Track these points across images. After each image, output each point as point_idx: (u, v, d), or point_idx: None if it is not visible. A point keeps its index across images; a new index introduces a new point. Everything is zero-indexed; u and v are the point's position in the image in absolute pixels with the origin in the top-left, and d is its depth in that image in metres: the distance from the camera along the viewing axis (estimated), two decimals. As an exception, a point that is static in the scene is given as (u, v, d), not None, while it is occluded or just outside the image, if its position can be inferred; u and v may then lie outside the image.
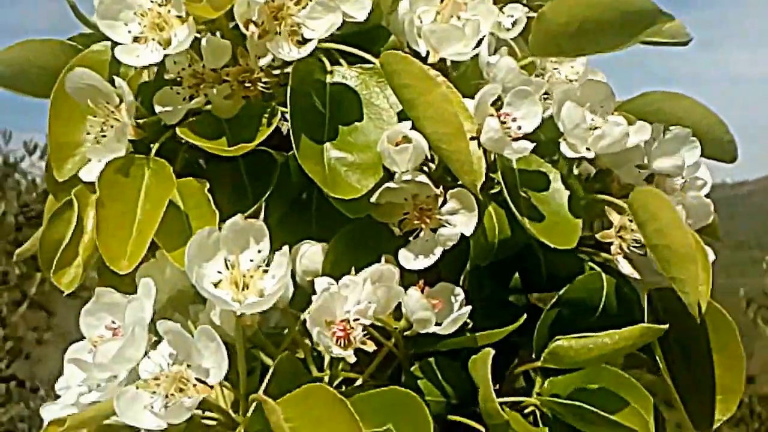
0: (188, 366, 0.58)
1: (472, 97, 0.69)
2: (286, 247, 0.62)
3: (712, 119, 0.83)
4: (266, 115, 0.71)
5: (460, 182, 0.68)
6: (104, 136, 0.70)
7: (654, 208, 0.68)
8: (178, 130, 0.71)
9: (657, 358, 0.72)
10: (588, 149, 0.71)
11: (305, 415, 0.57)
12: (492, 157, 0.70)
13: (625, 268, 0.71)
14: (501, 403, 0.65)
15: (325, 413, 0.57)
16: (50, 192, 0.79)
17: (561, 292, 0.72)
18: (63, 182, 0.74)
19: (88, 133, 0.71)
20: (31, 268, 4.21)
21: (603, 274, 0.73)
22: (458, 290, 0.69)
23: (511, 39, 0.78)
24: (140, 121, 0.72)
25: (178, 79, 0.70)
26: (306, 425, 0.56)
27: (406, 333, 0.68)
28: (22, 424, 3.60)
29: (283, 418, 0.56)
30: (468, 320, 0.70)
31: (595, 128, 0.71)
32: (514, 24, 0.78)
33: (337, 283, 0.64)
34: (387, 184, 0.67)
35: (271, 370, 0.63)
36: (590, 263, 0.75)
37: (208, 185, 0.70)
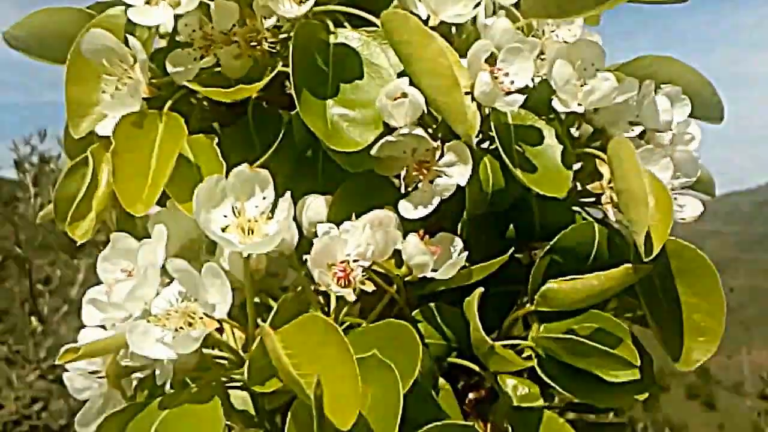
0: (195, 301, 0.62)
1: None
2: (288, 194, 0.65)
3: (701, 82, 0.86)
4: (269, 67, 0.75)
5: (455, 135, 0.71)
6: (119, 91, 0.74)
7: (622, 155, 0.72)
8: (187, 82, 0.74)
9: (641, 302, 0.74)
10: (579, 104, 0.74)
11: (301, 341, 0.60)
12: (487, 112, 0.74)
13: (614, 216, 0.74)
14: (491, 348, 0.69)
15: (319, 339, 0.61)
16: (66, 154, 0.83)
17: (554, 241, 0.74)
18: (78, 142, 0.78)
19: (104, 92, 0.75)
20: (73, 270, 4.28)
21: (596, 224, 0.76)
22: (457, 240, 0.73)
23: (510, 5, 0.81)
24: (154, 81, 0.76)
25: (190, 41, 0.75)
26: (301, 351, 0.59)
27: (406, 279, 0.71)
28: (62, 420, 3.65)
29: (279, 344, 0.59)
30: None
31: (585, 84, 0.74)
32: (511, -13, 0.81)
33: (338, 227, 0.68)
34: (386, 138, 0.71)
35: (275, 308, 0.67)
36: (583, 215, 0.78)
37: (217, 140, 0.74)
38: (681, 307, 0.75)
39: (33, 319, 3.86)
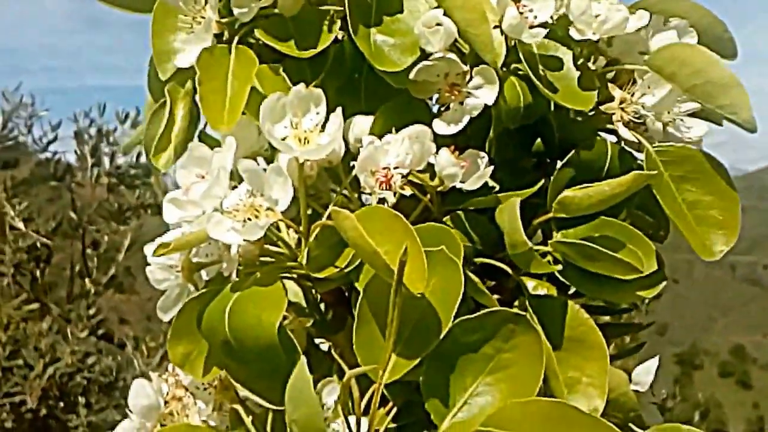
0: (261, 196, 0.73)
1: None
2: (339, 109, 0.76)
3: (711, 18, 0.93)
4: (326, 21, 0.86)
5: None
6: (193, 30, 0.85)
7: (685, 57, 0.81)
8: (257, 32, 0.85)
9: (663, 205, 0.83)
10: (594, 33, 0.84)
11: (369, 225, 0.70)
12: (513, 43, 0.84)
13: (625, 133, 0.84)
14: (531, 248, 0.79)
15: (385, 224, 0.72)
16: (150, 94, 0.95)
17: (571, 154, 0.84)
18: (162, 84, 0.89)
19: (179, 36, 0.87)
20: (120, 235, 4.42)
21: (608, 141, 0.86)
22: (483, 154, 0.82)
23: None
24: (223, 20, 0.86)
25: (251, -17, 0.85)
26: (373, 231, 0.70)
27: (439, 189, 0.81)
28: (111, 375, 3.78)
29: (356, 222, 0.70)
30: (493, 184, 0.85)
31: (599, 15, 0.84)
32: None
33: (380, 139, 0.78)
34: (423, 62, 0.81)
35: (328, 210, 0.77)
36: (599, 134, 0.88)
37: (281, 68, 0.85)
38: (698, 205, 0.84)
39: (87, 281, 4.01)
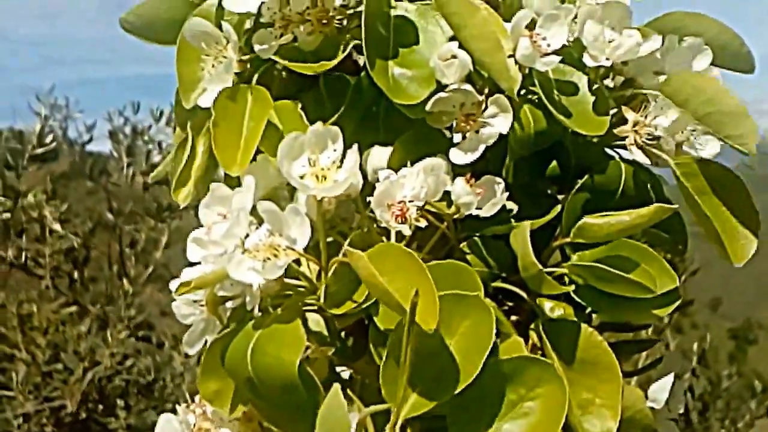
0: (280, 235, 0.75)
1: (512, 24, 0.84)
2: (355, 146, 0.78)
3: (728, 34, 0.94)
4: (342, 43, 0.87)
5: (500, 91, 0.83)
6: (215, 68, 0.87)
7: (699, 85, 0.82)
8: (273, 56, 0.86)
9: (702, 205, 0.84)
10: (607, 59, 0.85)
11: (382, 264, 0.72)
12: (527, 71, 0.85)
13: (639, 156, 0.85)
14: (541, 270, 0.81)
15: (397, 262, 0.73)
16: (177, 124, 0.97)
17: (584, 179, 0.85)
18: (188, 114, 0.92)
19: (203, 69, 0.88)
20: (158, 233, 4.47)
21: (622, 163, 0.87)
22: (500, 180, 0.83)
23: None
24: (244, 58, 0.88)
25: (271, 21, 0.86)
26: (384, 271, 0.72)
27: (455, 216, 0.83)
28: (149, 375, 3.83)
29: (369, 262, 0.72)
30: (512, 206, 0.86)
31: (612, 40, 0.85)
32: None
33: (396, 173, 0.80)
34: (439, 94, 0.82)
35: (346, 243, 0.79)
36: (613, 156, 0.89)
37: (300, 105, 0.87)
38: (719, 215, 0.85)
39: (125, 281, 4.06)
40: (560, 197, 0.92)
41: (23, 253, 3.96)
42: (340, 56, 0.85)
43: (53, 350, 3.50)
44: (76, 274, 4.12)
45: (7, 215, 4.01)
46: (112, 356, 3.54)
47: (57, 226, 4.09)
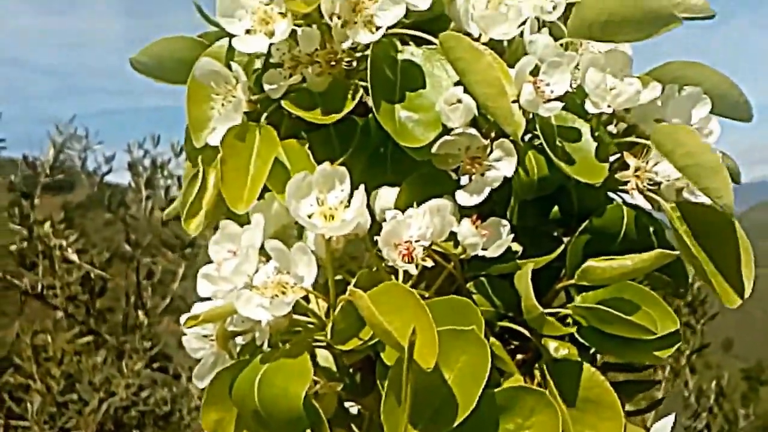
0: (288, 273, 0.77)
1: (517, 69, 0.87)
2: (362, 186, 0.80)
3: (727, 84, 0.96)
4: (350, 91, 0.89)
5: (505, 135, 0.85)
6: (224, 108, 0.90)
7: (681, 138, 0.84)
8: (283, 102, 0.89)
9: (693, 249, 0.86)
10: (608, 106, 0.87)
11: (384, 303, 0.75)
12: (531, 115, 0.87)
13: (640, 200, 0.87)
14: (542, 313, 0.83)
15: (398, 301, 0.76)
16: (188, 159, 0.99)
17: (586, 223, 0.88)
18: (198, 151, 0.94)
19: (212, 108, 0.91)
20: (175, 265, 4.50)
21: (624, 206, 0.89)
22: (505, 222, 0.85)
23: (557, 19, 0.95)
24: (253, 98, 0.90)
25: (281, 62, 0.89)
26: (385, 310, 0.74)
27: (462, 257, 0.85)
28: (166, 406, 3.85)
29: (370, 302, 0.74)
30: (517, 248, 0.88)
31: (613, 88, 0.87)
32: (554, 8, 0.95)
33: (403, 213, 0.82)
34: (445, 137, 0.85)
35: (353, 281, 0.81)
36: (617, 199, 0.91)
37: (308, 145, 0.89)
38: (715, 259, 0.87)
39: (140, 312, 4.09)
40: (566, 239, 0.94)
41: (39, 283, 4.00)
42: (349, 106, 0.88)
43: (68, 380, 3.52)
44: (91, 305, 4.15)
45: (23, 244, 4.05)
46: (127, 387, 3.56)
47: (74, 256, 4.12)
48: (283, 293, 0.77)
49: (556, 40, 0.92)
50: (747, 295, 0.87)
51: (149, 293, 4.55)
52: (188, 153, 0.98)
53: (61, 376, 3.51)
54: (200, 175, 0.92)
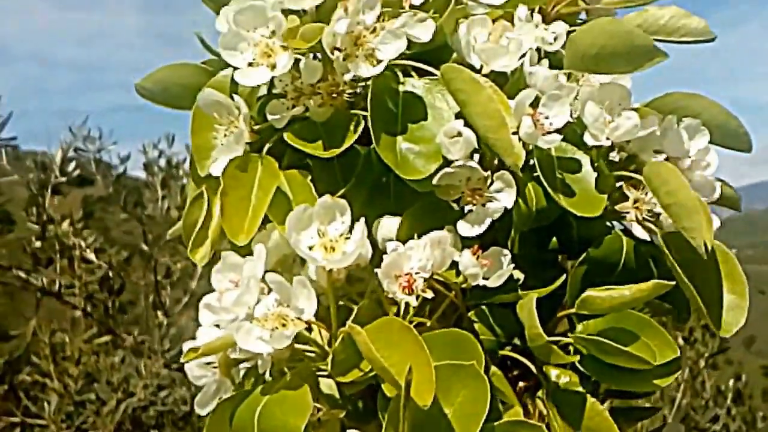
0: (288, 306, 0.79)
1: (517, 101, 0.88)
2: (362, 219, 0.81)
3: (726, 116, 0.98)
4: (353, 123, 0.90)
5: (505, 166, 0.86)
6: (227, 138, 0.91)
7: (665, 176, 0.85)
8: (285, 135, 0.90)
9: (685, 287, 0.87)
10: (607, 138, 0.88)
11: (382, 339, 0.76)
12: (531, 147, 0.88)
13: (638, 232, 0.88)
14: (547, 342, 0.85)
15: (397, 337, 0.77)
16: (192, 180, 1.00)
17: (588, 251, 0.89)
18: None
19: (215, 138, 0.92)
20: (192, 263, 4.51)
21: (623, 237, 0.90)
22: (506, 252, 0.87)
23: (555, 50, 0.96)
24: (256, 127, 0.92)
25: (284, 92, 0.90)
26: (383, 346, 0.75)
27: (463, 286, 0.86)
28: (185, 406, 3.86)
29: (367, 338, 0.75)
30: (518, 275, 0.89)
31: (612, 121, 0.88)
32: (555, 39, 0.96)
33: (404, 245, 0.83)
34: (445, 169, 0.86)
35: (354, 314, 0.82)
36: (615, 229, 0.92)
37: (310, 177, 0.90)
38: (710, 288, 0.88)
39: (158, 312, 4.11)
40: (569, 261, 0.95)
41: (56, 281, 4.02)
42: (350, 141, 0.89)
43: (86, 380, 3.54)
44: (110, 303, 4.18)
45: (39, 243, 4.08)
46: (145, 387, 3.58)
47: (91, 255, 4.14)
48: (284, 326, 0.78)
49: (558, 68, 0.93)
50: (732, 329, 0.89)
51: (168, 291, 4.57)
52: (192, 175, 0.99)
53: (79, 375, 3.53)
54: (205, 204, 0.93)
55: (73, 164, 4.09)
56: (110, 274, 4.19)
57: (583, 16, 1.10)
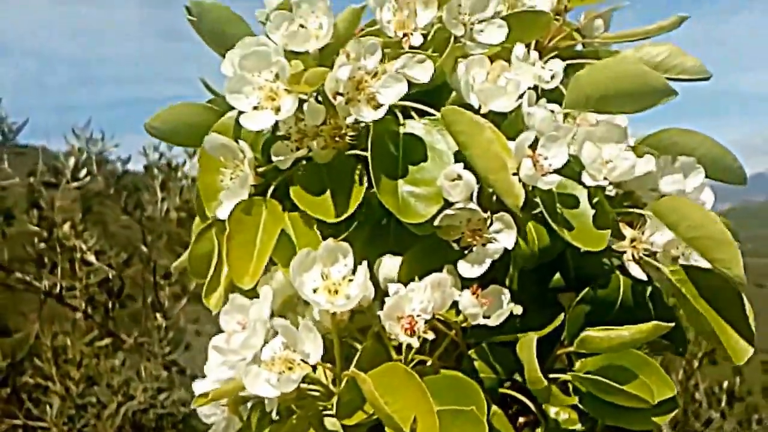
0: (294, 350, 0.81)
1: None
2: (365, 262, 0.83)
3: (720, 150, 1.01)
4: (357, 172, 0.92)
5: (504, 207, 0.88)
6: (232, 182, 0.93)
7: (683, 211, 0.88)
8: (291, 190, 0.92)
9: (702, 311, 0.90)
10: (605, 179, 0.90)
11: (386, 384, 0.78)
12: (531, 187, 0.90)
13: (635, 271, 0.90)
14: (547, 386, 0.87)
15: (400, 384, 0.79)
16: (197, 215, 1.02)
17: (585, 292, 0.91)
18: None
19: (221, 181, 0.94)
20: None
21: (620, 276, 0.92)
22: (506, 291, 0.88)
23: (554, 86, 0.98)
24: (260, 169, 0.94)
25: (288, 134, 0.92)
26: (387, 392, 0.77)
27: (463, 325, 0.88)
28: (184, 408, 3.88)
29: (372, 386, 0.77)
30: (518, 311, 0.91)
31: (609, 161, 0.90)
32: (552, 77, 0.98)
33: (405, 287, 0.85)
34: (446, 211, 0.88)
35: (358, 354, 0.84)
36: (614, 267, 0.94)
37: (312, 219, 0.92)
38: (716, 319, 0.91)
39: (158, 315, 4.13)
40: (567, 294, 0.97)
41: (57, 284, 4.05)
42: (355, 205, 0.90)
43: (87, 383, 3.56)
44: (110, 305, 4.20)
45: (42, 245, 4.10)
46: (145, 391, 3.60)
47: (91, 257, 4.17)
48: (290, 369, 0.81)
49: (554, 102, 0.96)
50: (747, 356, 0.91)
51: (167, 292, 4.59)
52: (198, 211, 1.01)
53: (81, 378, 3.56)
54: (216, 248, 0.95)
55: (84, 171, 4.11)
56: (110, 275, 4.21)
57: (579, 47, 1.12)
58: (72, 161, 4.07)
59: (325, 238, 0.87)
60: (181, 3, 1.01)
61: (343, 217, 0.90)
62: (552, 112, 0.94)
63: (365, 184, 0.91)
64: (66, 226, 4.16)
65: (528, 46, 1.02)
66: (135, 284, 4.56)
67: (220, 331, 0.90)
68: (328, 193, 0.91)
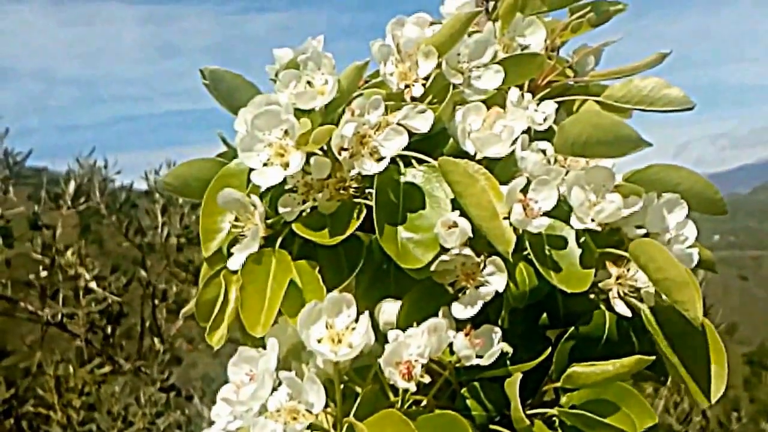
0: (299, 402, 0.85)
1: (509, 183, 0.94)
2: (367, 312, 0.87)
3: (703, 183, 1.05)
4: (356, 210, 0.96)
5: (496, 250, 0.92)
6: (244, 236, 0.97)
7: (651, 253, 0.91)
8: (294, 226, 0.96)
9: (669, 356, 0.94)
10: (592, 220, 0.94)
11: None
12: (521, 231, 0.94)
13: (621, 308, 0.94)
14: (532, 414, 0.91)
15: (396, 429, 0.83)
16: (207, 263, 1.06)
17: (571, 329, 0.95)
18: (212, 255, 1.02)
19: (234, 229, 0.99)
20: (190, 284, 4.57)
21: (606, 312, 0.96)
22: (497, 330, 0.93)
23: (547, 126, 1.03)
24: (269, 221, 0.98)
25: (294, 188, 0.97)
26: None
27: (457, 365, 0.92)
28: (179, 431, 3.91)
29: None
30: (507, 349, 0.95)
31: (596, 204, 0.94)
32: (545, 119, 1.02)
33: (404, 333, 0.89)
34: (442, 257, 0.92)
35: (358, 400, 0.89)
36: (600, 301, 0.98)
37: (318, 267, 0.96)
38: (690, 359, 0.95)
39: (156, 340, 4.17)
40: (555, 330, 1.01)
41: (59, 314, 4.08)
42: (353, 227, 0.95)
43: (88, 412, 3.59)
44: (109, 330, 4.23)
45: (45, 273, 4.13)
46: (144, 416, 3.63)
47: (92, 284, 4.19)
48: (295, 419, 0.85)
49: (547, 140, 1.01)
50: (716, 397, 0.95)
51: (164, 314, 4.63)
52: (205, 258, 1.05)
53: (82, 406, 3.58)
54: (222, 290, 0.99)
55: (83, 198, 4.16)
56: (110, 301, 4.24)
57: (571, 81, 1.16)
58: (72, 187, 4.10)
59: (329, 285, 0.92)
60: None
61: (339, 239, 0.94)
62: (544, 152, 1.00)
63: (361, 219, 0.96)
64: (69, 254, 4.19)
65: (521, 86, 1.07)
66: (132, 308, 4.59)
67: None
68: (327, 225, 0.97)
